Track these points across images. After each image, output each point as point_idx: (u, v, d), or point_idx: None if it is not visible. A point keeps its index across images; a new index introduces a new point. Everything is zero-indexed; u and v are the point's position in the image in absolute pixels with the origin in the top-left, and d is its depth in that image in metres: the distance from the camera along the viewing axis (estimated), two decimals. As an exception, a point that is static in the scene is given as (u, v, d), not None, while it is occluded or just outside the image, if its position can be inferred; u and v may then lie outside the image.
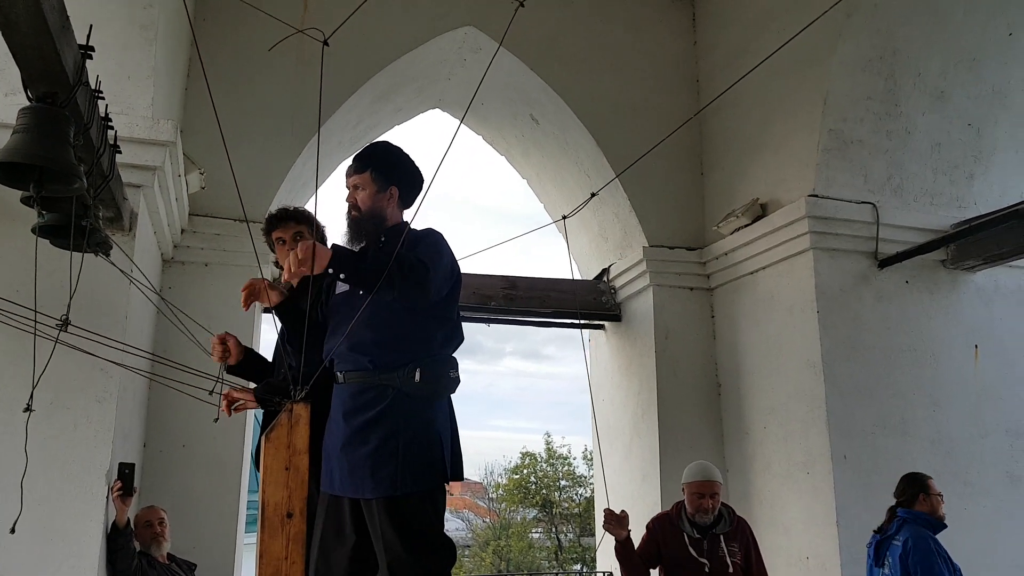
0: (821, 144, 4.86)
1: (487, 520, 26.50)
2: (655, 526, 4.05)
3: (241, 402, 3.00)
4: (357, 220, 2.78)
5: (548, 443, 24.16)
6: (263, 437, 2.61)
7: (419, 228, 2.84)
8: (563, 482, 23.84)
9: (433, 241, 2.75)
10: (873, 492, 4.57)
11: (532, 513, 24.28)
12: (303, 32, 2.65)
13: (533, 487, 24.04)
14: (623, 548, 3.87)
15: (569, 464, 23.86)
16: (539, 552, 23.37)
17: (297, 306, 2.82)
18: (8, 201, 3.06)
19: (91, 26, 2.56)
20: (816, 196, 4.86)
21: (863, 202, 4.95)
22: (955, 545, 4.62)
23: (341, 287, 2.80)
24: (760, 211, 5.27)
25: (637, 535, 4.05)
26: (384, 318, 2.63)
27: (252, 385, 3.15)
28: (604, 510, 3.97)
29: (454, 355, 2.81)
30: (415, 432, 2.60)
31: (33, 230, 2.97)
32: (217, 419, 3.03)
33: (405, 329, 2.66)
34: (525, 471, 24.38)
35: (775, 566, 4.82)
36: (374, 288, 2.49)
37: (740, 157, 5.60)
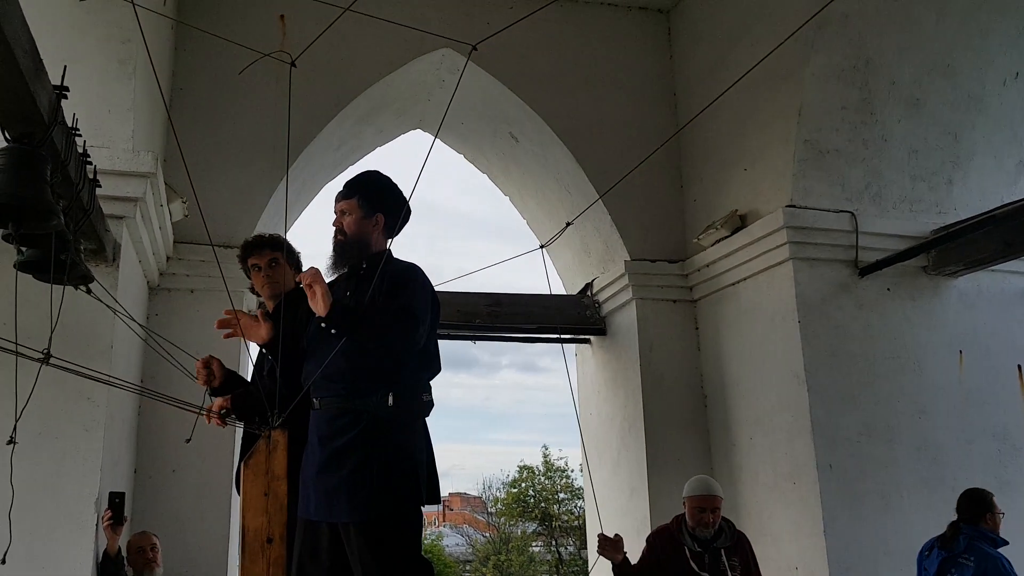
0: (797, 155, 4.93)
1: (487, 535, 26.45)
2: (655, 540, 4.07)
3: (225, 411, 3.00)
4: (343, 244, 2.87)
5: (546, 456, 24.18)
6: (242, 464, 2.66)
7: (401, 261, 2.91)
8: (561, 495, 23.83)
9: (417, 285, 2.81)
10: (860, 501, 4.63)
11: (532, 527, 24.25)
12: (271, 56, 2.70)
13: (532, 500, 24.02)
14: (620, 570, 3.90)
15: (567, 477, 23.87)
16: (540, 566, 23.34)
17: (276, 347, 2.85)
18: (-10, 237, 3.12)
19: (65, 67, 2.61)
20: (794, 207, 4.92)
21: (841, 211, 5.01)
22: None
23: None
24: (740, 222, 5.33)
25: (630, 550, 4.07)
26: (358, 347, 2.67)
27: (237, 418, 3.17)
28: (598, 535, 4.00)
29: (429, 380, 2.86)
30: (390, 456, 2.65)
31: (14, 266, 3.01)
32: (189, 440, 3.04)
33: (379, 358, 2.71)
34: (523, 484, 24.37)
35: (764, 576, 4.86)
36: (353, 337, 2.59)
37: (718, 169, 5.67)
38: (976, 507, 4.04)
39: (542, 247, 4.05)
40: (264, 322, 2.85)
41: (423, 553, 2.77)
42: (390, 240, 2.98)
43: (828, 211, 4.96)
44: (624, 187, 5.84)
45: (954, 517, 4.13)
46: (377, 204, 2.91)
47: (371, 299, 2.73)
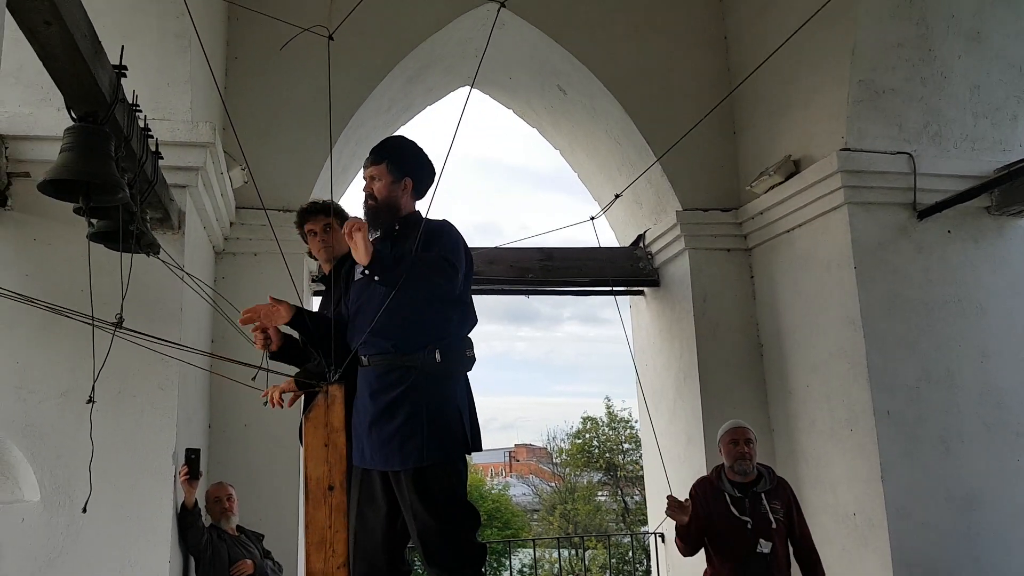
0: (851, 96, 4.80)
1: (553, 484, 26.89)
2: (697, 490, 4.14)
3: (291, 394, 3.23)
4: (374, 208, 2.98)
5: (609, 407, 24.32)
6: (304, 417, 2.82)
7: (433, 219, 3.02)
8: (626, 445, 24.00)
9: (453, 238, 2.95)
10: (918, 447, 4.59)
11: (597, 476, 24.55)
12: (309, 31, 2.78)
13: (596, 451, 24.27)
14: (685, 530, 3.98)
15: (631, 427, 24.00)
16: (606, 515, 23.66)
17: (304, 320, 3.00)
18: (66, 210, 3.31)
19: (122, 47, 2.75)
20: (848, 150, 4.81)
21: (899, 152, 4.88)
22: (1010, 498, 4.63)
23: (358, 276, 3.00)
24: (793, 168, 5.24)
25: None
26: (402, 304, 2.82)
27: (293, 371, 3.36)
28: (667, 497, 4.08)
29: (469, 335, 3.00)
30: (437, 408, 2.80)
31: (87, 237, 3.21)
32: (266, 403, 3.25)
33: (423, 314, 2.85)
34: (587, 435, 24.61)
35: (822, 524, 4.89)
36: (396, 286, 2.71)
37: (771, 114, 5.57)
38: None
39: (592, 219, 4.07)
40: (280, 304, 2.98)
41: (469, 498, 2.92)
42: (418, 201, 3.10)
43: (885, 153, 4.83)
44: (675, 137, 5.81)
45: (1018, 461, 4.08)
46: (405, 168, 3.02)
47: (409, 253, 2.84)
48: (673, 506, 4.01)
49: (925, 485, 4.54)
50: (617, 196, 4.11)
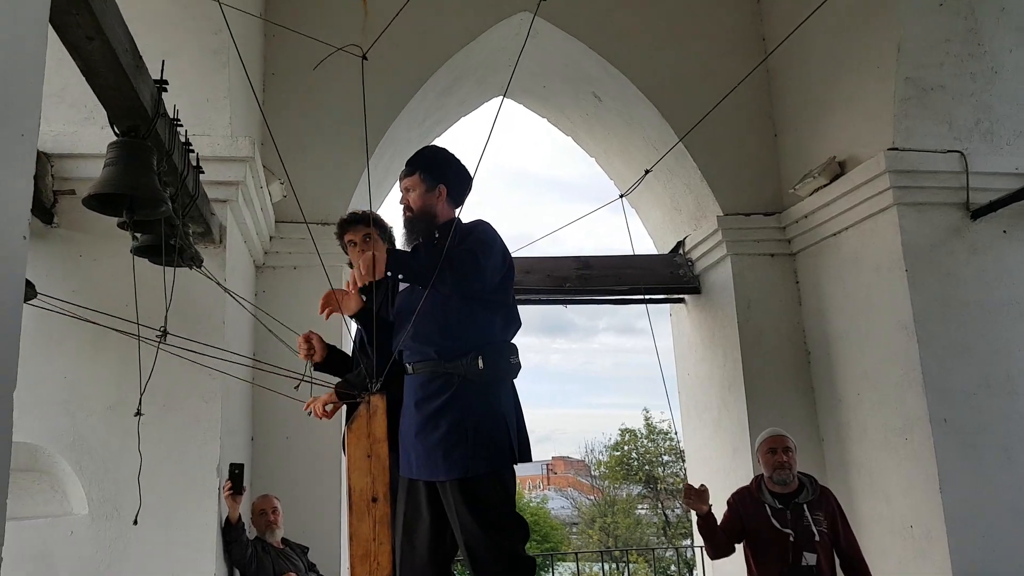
0: (898, 94, 4.68)
1: (592, 498, 26.67)
2: (735, 500, 4.02)
3: (331, 405, 3.21)
4: (411, 220, 2.99)
5: (647, 419, 24.07)
6: (346, 428, 2.80)
7: (469, 221, 3.01)
8: (666, 457, 23.73)
9: (482, 231, 2.93)
10: (978, 455, 4.41)
11: (637, 489, 24.30)
12: (343, 50, 2.78)
13: (635, 463, 24.03)
14: (705, 523, 3.88)
15: (671, 439, 23.72)
16: (647, 528, 23.40)
17: (374, 311, 3.00)
18: (111, 225, 3.35)
19: (163, 61, 2.76)
20: (896, 149, 4.68)
21: (949, 151, 4.74)
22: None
23: (403, 285, 2.99)
24: (838, 169, 5.12)
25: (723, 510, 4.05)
26: (444, 309, 2.80)
27: (334, 381, 3.34)
28: (684, 485, 4.00)
29: (513, 342, 2.96)
30: (482, 416, 2.76)
31: (131, 251, 3.23)
32: (310, 414, 3.24)
33: (465, 318, 2.82)
34: (625, 448, 24.39)
35: (877, 535, 4.74)
36: (429, 282, 2.67)
37: (814, 115, 5.45)
38: None
39: (621, 196, 4.00)
40: (354, 294, 2.97)
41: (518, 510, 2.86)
42: (459, 208, 3.09)
43: (934, 152, 4.69)
44: (714, 140, 5.74)
45: None
46: (437, 176, 3.03)
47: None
48: (690, 495, 3.91)
49: (986, 496, 4.36)
50: (647, 171, 4.03)
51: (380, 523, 2.68)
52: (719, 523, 3.95)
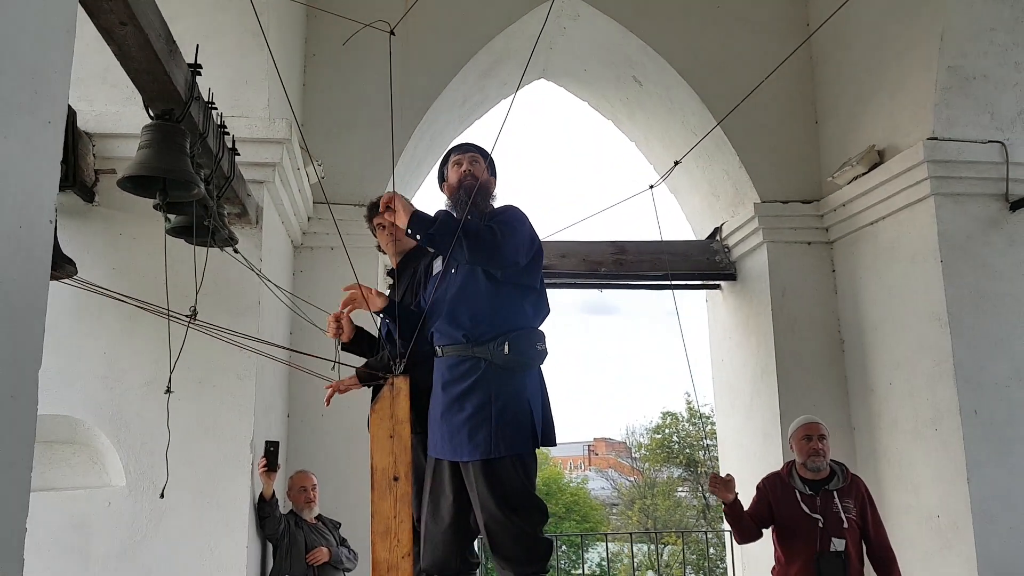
0: (939, 83, 4.58)
1: (632, 479, 26.69)
2: (765, 485, 4.03)
3: (349, 388, 3.30)
4: (472, 188, 3.04)
5: (689, 402, 23.94)
6: (370, 408, 2.88)
7: (500, 206, 3.10)
8: (707, 441, 23.57)
9: (510, 214, 3.00)
10: (1008, 448, 4.36)
11: (677, 472, 24.24)
12: (371, 26, 2.82)
13: (676, 447, 23.95)
14: (732, 510, 3.90)
15: (712, 423, 23.53)
16: (687, 510, 23.34)
17: (397, 306, 3.08)
18: (149, 205, 3.47)
19: (197, 46, 2.84)
20: (936, 139, 4.59)
21: (990, 141, 4.63)
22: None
23: (437, 269, 3.07)
24: (877, 158, 5.03)
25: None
26: (475, 293, 2.88)
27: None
28: (710, 475, 4.02)
29: (541, 328, 3.01)
30: (507, 400, 2.82)
31: (166, 232, 3.34)
32: (328, 403, 3.33)
33: (495, 304, 2.89)
34: (666, 431, 24.32)
35: (904, 525, 4.70)
36: (448, 249, 2.76)
37: (855, 103, 5.36)
38: None
39: (651, 187, 3.99)
40: (380, 296, 3.09)
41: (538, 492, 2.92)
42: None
43: (975, 142, 4.59)
44: (754, 126, 5.67)
45: None
46: (493, 171, 3.22)
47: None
48: (716, 484, 3.92)
49: (1014, 488, 4.31)
50: (676, 163, 4.02)
51: (401, 501, 2.76)
52: (747, 508, 3.97)
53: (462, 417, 2.84)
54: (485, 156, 3.18)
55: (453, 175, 3.13)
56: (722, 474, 4.03)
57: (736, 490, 3.91)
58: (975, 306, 4.50)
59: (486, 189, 3.09)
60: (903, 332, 4.86)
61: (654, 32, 5.75)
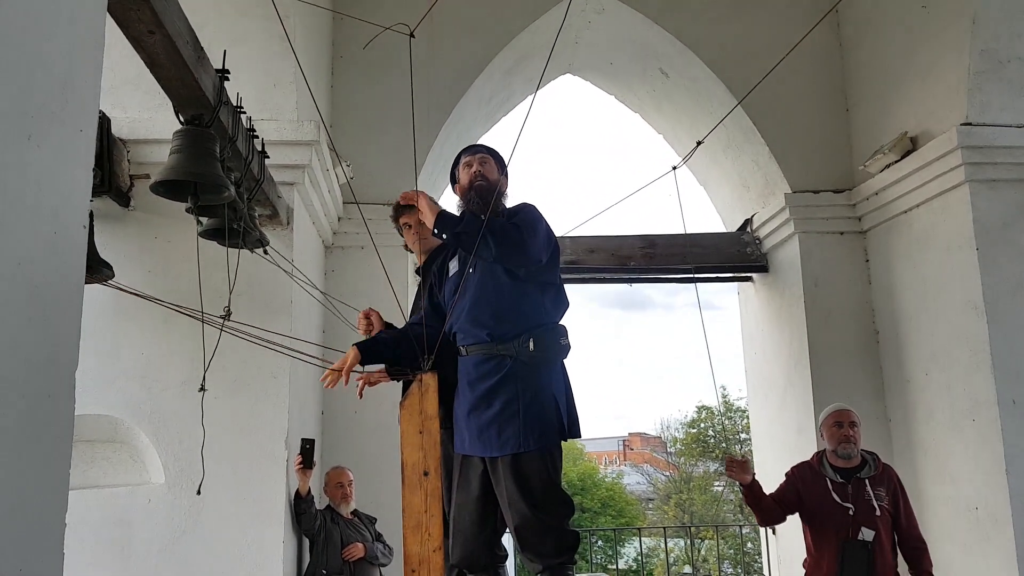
0: (972, 67, 4.49)
1: (667, 474, 26.57)
2: (795, 473, 3.99)
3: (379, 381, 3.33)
4: (483, 187, 3.08)
5: (724, 396, 23.76)
6: (399, 405, 2.92)
7: (515, 204, 3.12)
8: (744, 435, 23.39)
9: (528, 212, 3.03)
10: (1050, 438, 4.27)
11: (714, 466, 24.08)
12: (391, 29, 2.86)
13: (712, 440, 23.80)
14: (750, 491, 3.86)
15: (748, 417, 23.32)
16: (724, 505, 23.19)
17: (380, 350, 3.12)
18: (182, 209, 3.54)
19: (224, 51, 2.90)
20: (970, 124, 4.51)
21: (1025, 125, 4.54)
22: None
23: (453, 270, 3.10)
24: (910, 145, 4.95)
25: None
26: (495, 292, 2.91)
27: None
28: (726, 457, 4.00)
29: (563, 323, 3.04)
30: (533, 396, 2.86)
31: (199, 234, 3.41)
32: (360, 396, 3.35)
33: (516, 301, 2.92)
34: (702, 425, 24.16)
35: (941, 517, 4.64)
36: (473, 248, 2.79)
37: (885, 90, 5.27)
38: None
39: (674, 168, 3.95)
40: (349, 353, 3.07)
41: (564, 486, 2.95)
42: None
43: (1010, 127, 4.50)
44: (783, 116, 5.62)
45: None
46: (504, 171, 3.22)
47: None
48: (732, 466, 3.90)
49: (1056, 480, 4.22)
50: (699, 143, 3.97)
51: (431, 496, 2.80)
52: (773, 492, 3.94)
53: (491, 413, 2.88)
54: (495, 156, 3.23)
55: (464, 176, 3.17)
56: (738, 457, 4.00)
57: (753, 470, 3.89)
58: (1013, 294, 4.41)
59: (500, 190, 3.13)
60: (939, 322, 4.79)
61: (680, 23, 5.72)
